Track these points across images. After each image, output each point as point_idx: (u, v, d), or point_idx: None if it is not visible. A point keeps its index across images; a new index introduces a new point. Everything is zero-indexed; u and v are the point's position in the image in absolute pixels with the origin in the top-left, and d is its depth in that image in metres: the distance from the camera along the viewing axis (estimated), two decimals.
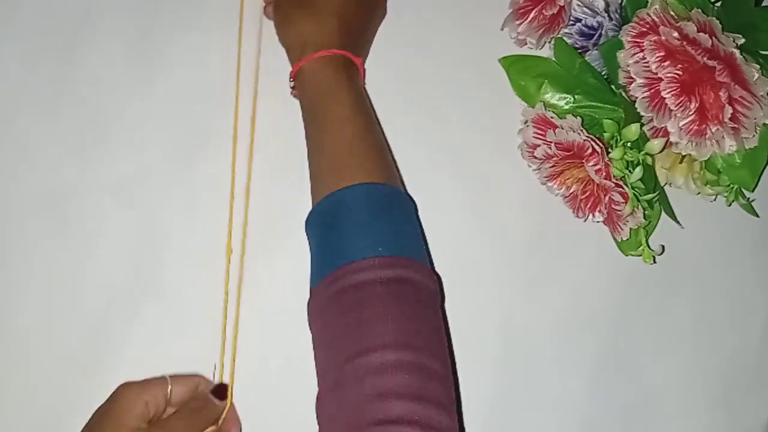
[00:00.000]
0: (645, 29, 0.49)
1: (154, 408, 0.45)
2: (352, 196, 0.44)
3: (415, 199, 0.54)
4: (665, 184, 0.54)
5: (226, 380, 0.50)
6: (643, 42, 0.49)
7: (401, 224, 0.45)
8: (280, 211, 0.53)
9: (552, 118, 0.50)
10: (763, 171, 0.51)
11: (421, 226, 0.48)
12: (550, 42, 0.54)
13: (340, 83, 0.48)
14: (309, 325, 0.45)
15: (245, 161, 0.53)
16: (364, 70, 0.52)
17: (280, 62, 0.55)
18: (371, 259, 0.42)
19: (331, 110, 0.48)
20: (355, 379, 0.40)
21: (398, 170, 0.52)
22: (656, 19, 0.48)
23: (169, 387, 0.46)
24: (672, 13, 0.49)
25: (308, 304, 0.45)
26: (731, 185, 0.52)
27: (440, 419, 0.39)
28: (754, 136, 0.49)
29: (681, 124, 0.48)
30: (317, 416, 0.42)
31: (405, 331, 0.41)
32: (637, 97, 0.49)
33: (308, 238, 0.47)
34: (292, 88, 0.51)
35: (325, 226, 0.45)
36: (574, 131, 0.49)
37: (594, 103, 0.53)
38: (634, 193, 0.49)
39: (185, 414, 0.46)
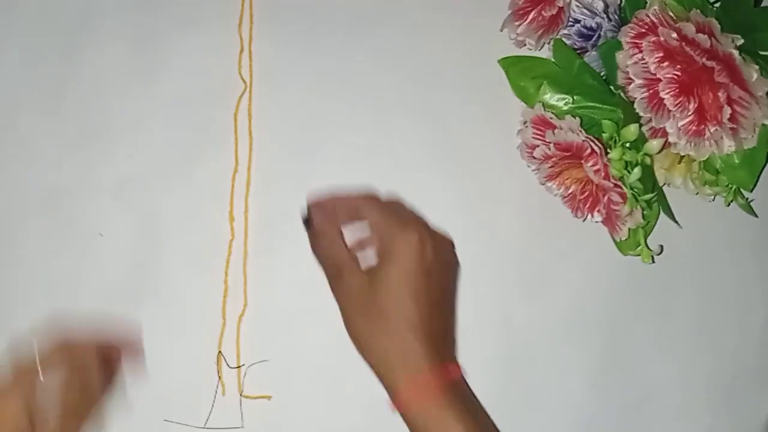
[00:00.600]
0: (644, 30, 0.49)
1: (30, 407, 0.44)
2: None
3: (415, 199, 0.54)
4: (664, 184, 0.54)
5: (225, 381, 0.50)
6: (641, 43, 0.49)
7: None
8: (280, 210, 0.53)
9: (551, 118, 0.50)
10: (761, 171, 0.51)
11: None
12: (549, 43, 0.54)
13: (446, 416, 0.43)
14: None
15: (245, 161, 0.53)
16: (459, 367, 0.48)
17: (280, 61, 0.55)
18: None
19: None
20: None
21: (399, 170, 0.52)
22: (655, 20, 0.48)
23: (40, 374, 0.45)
24: (671, 13, 0.49)
25: None
26: (730, 185, 0.52)
27: None
28: (752, 136, 0.49)
29: (680, 124, 0.48)
30: None
31: None
32: (635, 98, 0.49)
33: None
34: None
35: None
36: (573, 132, 0.49)
37: (593, 104, 0.53)
38: (632, 194, 0.49)
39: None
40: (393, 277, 0.45)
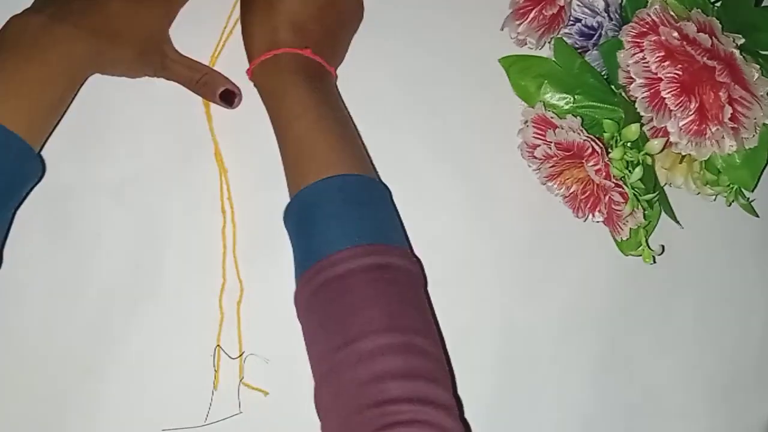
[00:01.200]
0: (645, 29, 0.49)
1: None
2: (322, 190, 0.45)
3: (415, 199, 0.54)
4: (665, 184, 0.54)
5: (225, 382, 0.50)
6: (643, 42, 0.49)
7: (376, 212, 0.46)
8: (279, 209, 0.52)
9: (552, 118, 0.50)
10: (762, 171, 0.51)
11: (397, 212, 0.49)
12: (550, 42, 0.54)
13: (293, 81, 0.48)
14: (298, 318, 0.46)
15: (245, 161, 0.53)
16: (335, 67, 0.52)
17: None
18: (349, 250, 0.43)
19: (286, 105, 0.48)
20: (348, 366, 0.41)
21: (390, 168, 0.52)
22: (656, 19, 0.48)
23: None
24: (672, 13, 0.49)
25: (294, 298, 0.46)
26: (731, 185, 0.52)
27: (437, 394, 0.40)
28: (753, 136, 0.49)
29: (681, 124, 0.48)
30: (316, 408, 0.43)
31: (391, 314, 0.42)
32: (636, 97, 0.49)
33: (288, 234, 0.48)
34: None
35: (300, 222, 0.46)
36: (574, 131, 0.49)
37: (594, 103, 0.53)
38: (633, 193, 0.49)
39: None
40: None
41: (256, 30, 0.50)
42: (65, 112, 0.49)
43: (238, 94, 0.52)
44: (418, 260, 0.47)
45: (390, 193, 0.48)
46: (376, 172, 0.50)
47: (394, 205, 0.49)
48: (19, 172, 0.46)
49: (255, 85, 0.51)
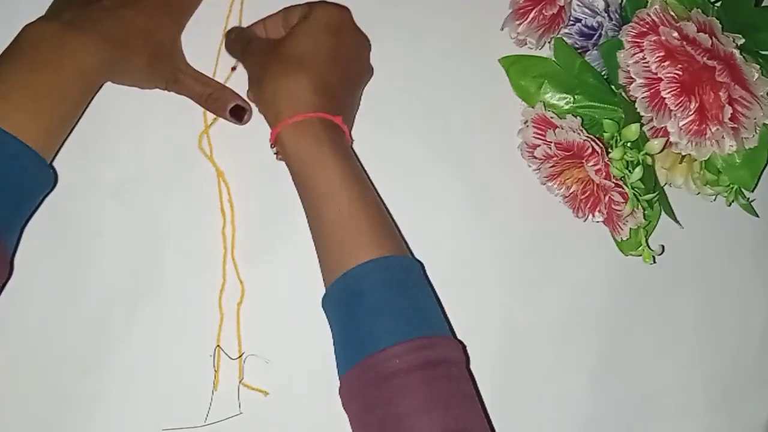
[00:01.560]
0: (645, 29, 0.49)
1: None
2: (365, 276, 0.44)
3: (415, 199, 0.54)
4: (665, 184, 0.54)
5: (225, 382, 0.50)
6: (643, 42, 0.49)
7: (419, 297, 0.45)
8: (279, 209, 0.53)
9: (552, 118, 0.50)
10: (762, 171, 0.51)
11: (430, 284, 0.47)
12: (550, 42, 0.54)
13: (322, 151, 0.46)
14: (344, 408, 0.44)
15: (245, 160, 0.53)
16: (350, 131, 0.50)
17: None
18: (399, 346, 0.41)
19: (320, 181, 0.46)
20: None
21: (400, 174, 0.51)
22: (656, 19, 0.48)
23: None
24: (672, 13, 0.49)
25: (340, 392, 0.45)
26: (731, 185, 0.52)
27: None
28: (753, 136, 0.49)
29: (681, 124, 0.48)
30: None
31: (445, 417, 0.41)
32: (636, 97, 0.49)
33: (327, 318, 0.46)
34: (276, 153, 0.49)
35: (344, 310, 0.44)
36: (574, 131, 0.49)
37: (594, 103, 0.53)
38: (634, 193, 0.49)
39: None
40: (302, 29, 0.49)
41: (281, 92, 0.47)
42: (78, 120, 0.49)
43: (249, 110, 0.51)
44: (460, 342, 0.46)
45: (423, 267, 0.47)
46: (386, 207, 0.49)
47: (428, 278, 0.48)
48: (32, 183, 0.45)
49: (278, 149, 0.48)
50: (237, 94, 0.52)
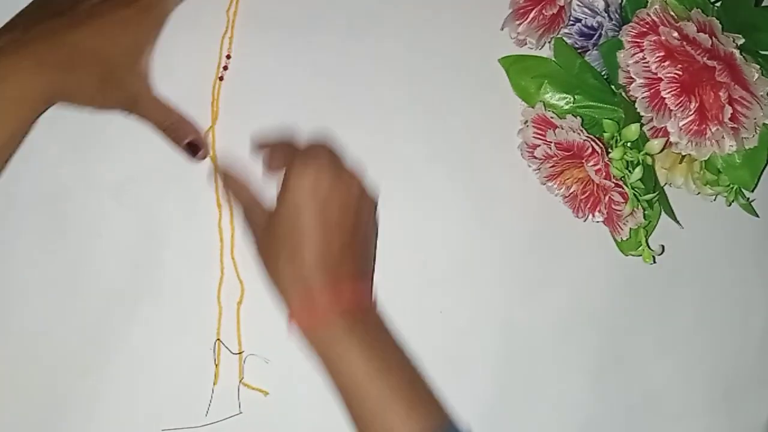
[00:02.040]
0: (645, 29, 0.49)
1: None
2: None
3: (415, 199, 0.54)
4: (665, 184, 0.54)
5: (225, 382, 0.50)
6: (642, 42, 0.49)
7: None
8: None
9: (552, 118, 0.50)
10: (763, 171, 0.51)
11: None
12: (550, 42, 0.54)
13: (345, 342, 0.46)
14: None
15: (245, 160, 0.53)
16: (371, 287, 0.50)
17: (280, 61, 0.55)
18: None
19: (352, 371, 0.46)
20: None
21: (402, 175, 0.51)
22: (656, 19, 0.48)
23: None
24: (672, 13, 0.49)
25: None
26: (731, 185, 0.52)
27: None
28: (753, 136, 0.49)
29: (681, 124, 0.48)
30: None
31: None
32: (636, 97, 0.49)
33: None
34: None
35: None
36: (574, 131, 0.49)
37: (594, 103, 0.53)
38: (634, 193, 0.49)
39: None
40: (285, 207, 0.47)
41: (288, 280, 0.47)
42: (17, 149, 0.47)
43: (203, 147, 0.50)
44: None
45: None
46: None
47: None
48: None
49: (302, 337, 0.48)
50: (196, 130, 0.50)
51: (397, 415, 0.45)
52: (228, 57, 0.54)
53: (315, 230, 0.46)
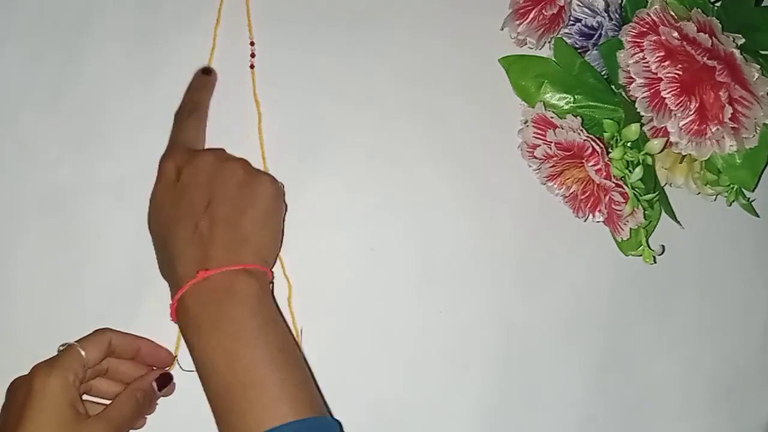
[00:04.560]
0: (645, 29, 0.49)
1: (77, 386, 0.45)
2: None
3: (415, 199, 0.54)
4: (665, 184, 0.54)
5: None
6: (643, 42, 0.48)
7: None
8: None
9: (552, 118, 0.50)
10: (763, 171, 0.51)
11: None
12: (550, 42, 0.54)
13: (229, 311, 0.44)
14: None
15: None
16: (271, 272, 0.48)
17: (279, 61, 0.55)
18: None
19: (220, 343, 0.43)
20: None
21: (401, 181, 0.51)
22: (656, 19, 0.48)
23: (83, 353, 0.46)
24: (672, 13, 0.49)
25: None
26: (731, 185, 0.52)
27: None
28: (754, 136, 0.49)
29: (681, 124, 0.48)
30: None
31: None
32: (637, 97, 0.49)
33: None
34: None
35: None
36: (574, 131, 0.49)
37: (594, 103, 0.53)
38: (634, 193, 0.49)
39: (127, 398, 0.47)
40: (154, 195, 0.49)
41: (181, 254, 0.46)
42: None
43: (169, 384, 0.50)
44: None
45: (341, 424, 0.45)
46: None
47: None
48: None
49: (178, 324, 0.46)
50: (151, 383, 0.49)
51: (274, 387, 0.42)
52: (252, 44, 0.54)
53: (166, 215, 0.48)
